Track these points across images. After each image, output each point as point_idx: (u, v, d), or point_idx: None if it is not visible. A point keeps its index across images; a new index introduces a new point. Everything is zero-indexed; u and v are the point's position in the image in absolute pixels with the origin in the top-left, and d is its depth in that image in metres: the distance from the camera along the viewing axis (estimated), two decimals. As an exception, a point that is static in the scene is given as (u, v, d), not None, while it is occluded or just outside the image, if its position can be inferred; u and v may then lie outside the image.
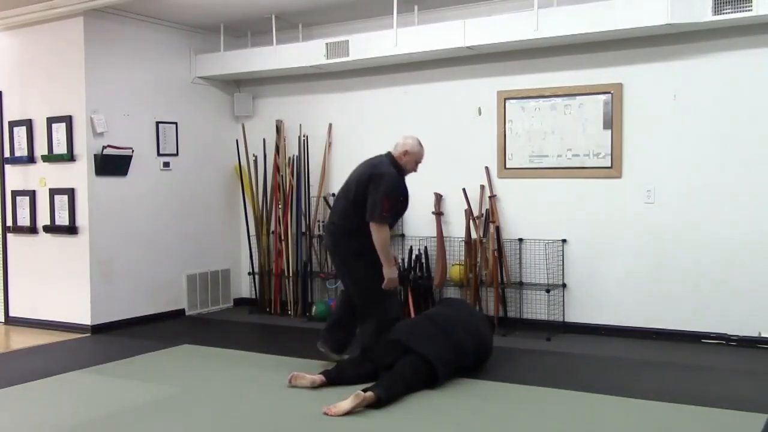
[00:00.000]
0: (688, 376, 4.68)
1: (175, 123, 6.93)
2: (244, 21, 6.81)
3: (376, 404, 3.97)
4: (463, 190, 6.21)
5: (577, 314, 5.95)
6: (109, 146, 6.28)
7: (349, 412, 3.88)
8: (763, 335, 5.33)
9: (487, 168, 6.23)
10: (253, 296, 7.35)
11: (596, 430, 3.70)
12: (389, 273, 4.65)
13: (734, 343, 5.40)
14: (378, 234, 4.62)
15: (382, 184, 4.63)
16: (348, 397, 3.94)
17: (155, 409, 4.10)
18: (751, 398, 4.14)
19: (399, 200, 4.74)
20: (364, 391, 3.98)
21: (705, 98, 5.47)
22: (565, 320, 5.98)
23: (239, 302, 7.54)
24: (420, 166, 4.95)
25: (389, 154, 4.85)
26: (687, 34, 5.41)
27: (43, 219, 6.50)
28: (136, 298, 6.58)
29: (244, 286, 7.58)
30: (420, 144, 4.88)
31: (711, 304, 5.48)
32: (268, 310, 7.10)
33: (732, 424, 3.72)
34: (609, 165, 5.78)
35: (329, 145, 7.02)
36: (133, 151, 6.48)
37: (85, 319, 6.25)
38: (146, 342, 5.80)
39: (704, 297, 5.50)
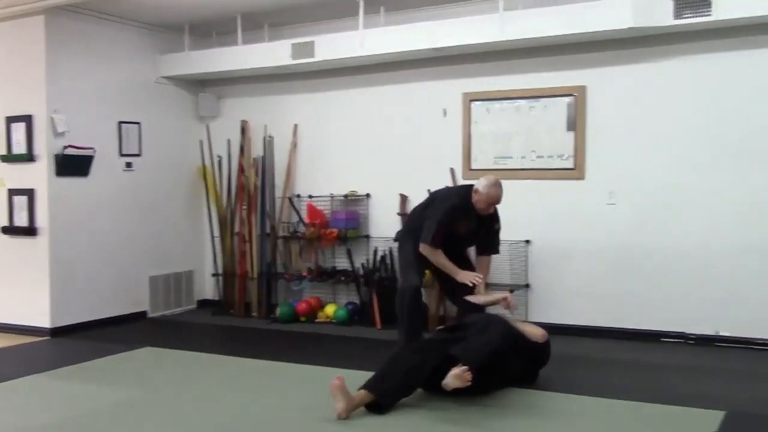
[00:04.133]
0: (648, 374, 4.75)
1: (138, 123, 6.84)
2: (210, 21, 6.75)
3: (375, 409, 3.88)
4: (428, 191, 6.20)
5: (540, 314, 5.99)
6: (70, 146, 6.18)
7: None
8: (720, 334, 5.44)
9: (452, 169, 6.26)
10: (217, 298, 7.28)
11: (557, 429, 3.73)
12: (460, 279, 4.91)
13: (693, 342, 5.49)
14: (428, 255, 4.95)
15: (431, 209, 5.03)
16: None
17: (116, 413, 4.03)
18: (709, 395, 4.21)
19: (443, 226, 4.89)
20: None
21: (667, 101, 5.56)
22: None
23: (203, 304, 7.46)
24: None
25: (470, 188, 4.96)
26: (649, 38, 5.50)
27: (1, 220, 6.36)
28: (97, 300, 6.48)
29: (208, 288, 7.51)
30: (494, 185, 4.85)
31: (670, 303, 5.57)
32: (231, 311, 7.05)
33: (690, 421, 3.78)
34: (572, 166, 5.85)
35: (294, 145, 6.99)
36: (94, 151, 6.39)
37: (44, 322, 6.13)
38: (108, 345, 5.71)
39: (664, 296, 5.59)
